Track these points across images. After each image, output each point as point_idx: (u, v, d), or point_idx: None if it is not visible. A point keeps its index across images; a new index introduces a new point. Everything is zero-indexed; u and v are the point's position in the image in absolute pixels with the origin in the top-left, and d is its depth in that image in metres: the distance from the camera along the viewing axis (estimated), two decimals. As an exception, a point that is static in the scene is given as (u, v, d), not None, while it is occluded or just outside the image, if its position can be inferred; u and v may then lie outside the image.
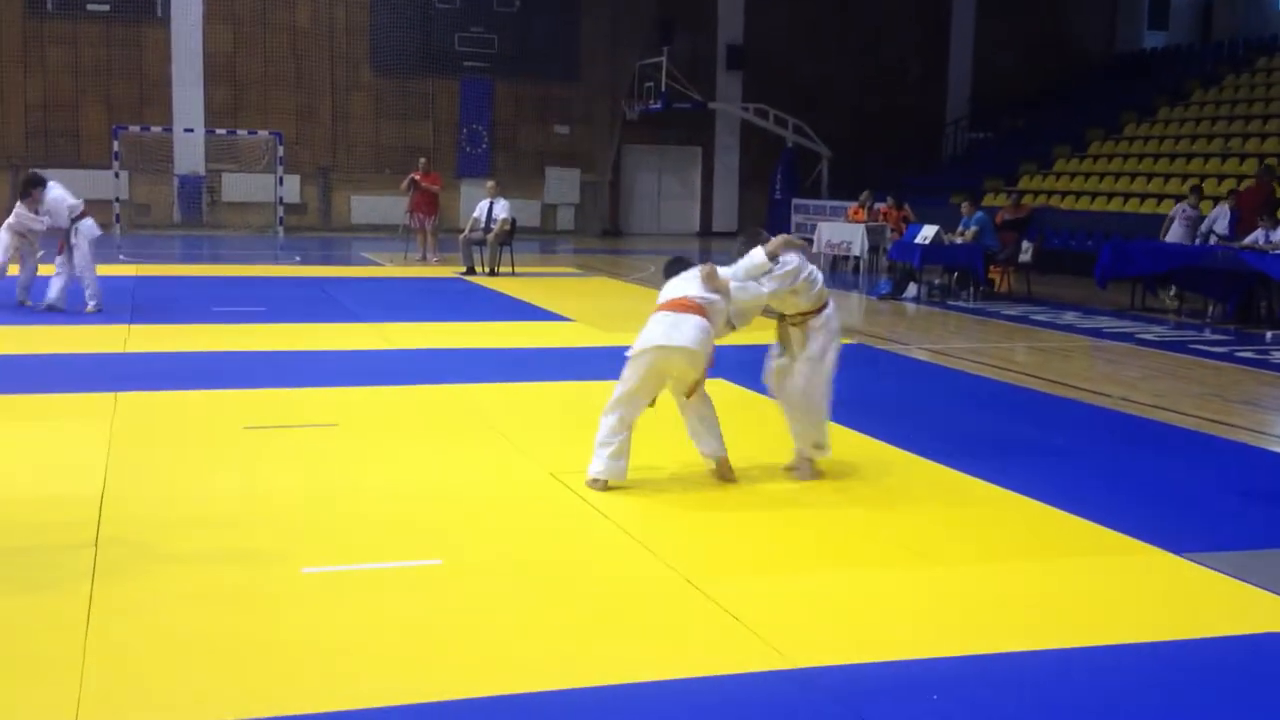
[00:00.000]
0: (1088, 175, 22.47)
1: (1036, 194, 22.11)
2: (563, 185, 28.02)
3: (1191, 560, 4.97)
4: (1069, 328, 12.90)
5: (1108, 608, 4.47)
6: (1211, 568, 4.88)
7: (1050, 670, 3.88)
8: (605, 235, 27.49)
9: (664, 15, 26.69)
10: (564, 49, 27.40)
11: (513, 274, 16.86)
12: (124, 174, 24.42)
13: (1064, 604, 4.49)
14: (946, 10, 30.13)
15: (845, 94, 28.85)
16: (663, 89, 26.35)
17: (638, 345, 5.82)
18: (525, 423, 7.36)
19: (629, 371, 5.83)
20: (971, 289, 15.34)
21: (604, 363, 9.67)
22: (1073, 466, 6.65)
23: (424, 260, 18.92)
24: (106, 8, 24.96)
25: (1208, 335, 12.53)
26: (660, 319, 5.81)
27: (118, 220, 23.92)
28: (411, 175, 19.48)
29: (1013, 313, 14.05)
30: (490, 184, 18.73)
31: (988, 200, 21.39)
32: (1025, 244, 15.95)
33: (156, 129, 25.01)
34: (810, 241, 6.14)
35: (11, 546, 4.29)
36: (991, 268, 15.69)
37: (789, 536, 5.26)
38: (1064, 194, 22.02)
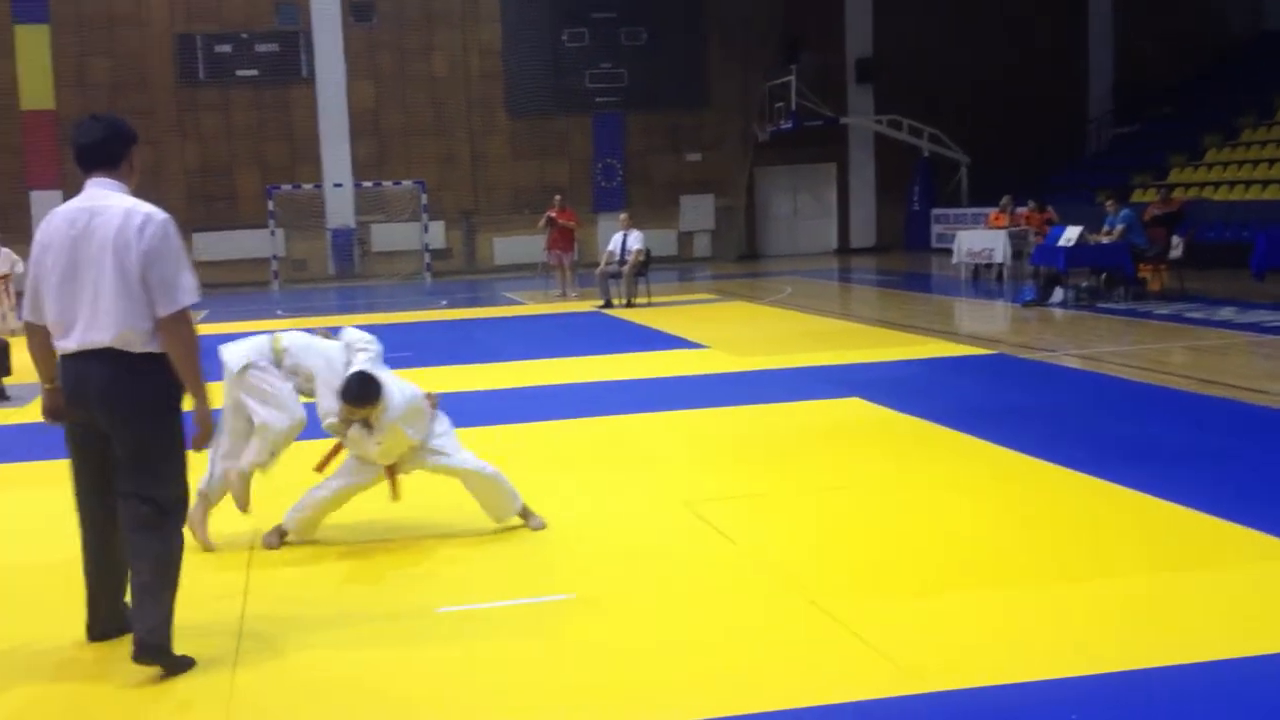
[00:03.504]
0: (1240, 164, 21.51)
1: (1187, 186, 21.28)
2: (698, 212, 28.14)
3: (1356, 564, 4.72)
4: (1225, 324, 12.36)
5: (1269, 617, 4.26)
6: (1378, 572, 4.62)
7: (1201, 684, 3.73)
8: (742, 259, 27.47)
9: (791, 34, 26.65)
10: (692, 77, 27.60)
11: (649, 304, 16.99)
12: (279, 232, 25.49)
13: (1220, 616, 4.30)
14: (1082, 1, 29.28)
15: (980, 98, 28.22)
16: (793, 108, 26.24)
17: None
18: (659, 452, 7.40)
19: None
20: (1122, 289, 14.83)
21: (736, 388, 9.71)
22: (1230, 470, 6.36)
23: (564, 296, 19.21)
24: (255, 72, 26.14)
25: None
26: None
27: (275, 276, 25.01)
28: (548, 213, 19.83)
29: (1165, 312, 13.52)
30: (623, 216, 18.95)
31: (1136, 196, 20.69)
32: (1176, 239, 15.36)
33: (308, 186, 26.05)
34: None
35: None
36: (1141, 266, 15.14)
37: (920, 555, 5.15)
38: (1216, 184, 21.12)
